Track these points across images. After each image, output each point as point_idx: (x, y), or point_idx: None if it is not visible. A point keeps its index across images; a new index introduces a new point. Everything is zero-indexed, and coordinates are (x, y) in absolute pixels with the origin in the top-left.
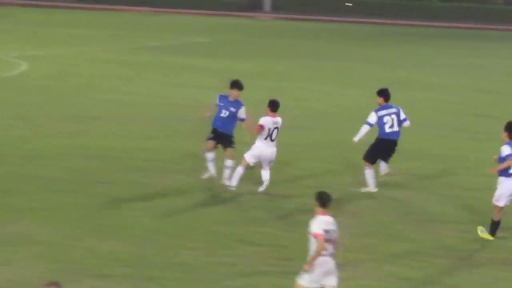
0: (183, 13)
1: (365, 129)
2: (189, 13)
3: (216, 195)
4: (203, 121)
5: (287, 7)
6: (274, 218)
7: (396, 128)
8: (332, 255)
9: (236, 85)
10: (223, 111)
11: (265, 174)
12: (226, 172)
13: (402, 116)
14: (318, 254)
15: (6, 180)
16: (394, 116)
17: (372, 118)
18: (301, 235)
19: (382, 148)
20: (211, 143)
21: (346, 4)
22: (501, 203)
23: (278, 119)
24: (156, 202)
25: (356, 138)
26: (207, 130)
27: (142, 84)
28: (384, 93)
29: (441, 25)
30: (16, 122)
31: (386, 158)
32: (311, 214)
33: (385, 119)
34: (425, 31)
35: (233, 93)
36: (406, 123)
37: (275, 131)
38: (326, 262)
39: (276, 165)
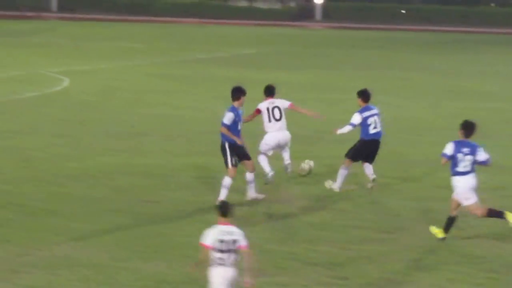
0: (232, 24)
1: (347, 129)
2: (237, 24)
3: (266, 212)
4: (253, 136)
5: (338, 15)
6: (328, 236)
7: (379, 129)
8: (233, 265)
9: (243, 91)
10: (239, 124)
11: (286, 156)
12: (252, 187)
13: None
14: (201, 262)
15: (49, 200)
16: (376, 117)
17: (356, 119)
18: (357, 252)
19: (366, 148)
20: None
21: (401, 11)
22: (472, 200)
23: (275, 100)
24: (205, 221)
25: (338, 132)
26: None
27: (189, 98)
28: (363, 94)
29: (500, 31)
30: (59, 139)
31: (370, 159)
32: (366, 230)
33: (369, 120)
34: (484, 38)
35: (242, 101)
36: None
37: (276, 110)
38: (226, 272)
39: (328, 179)
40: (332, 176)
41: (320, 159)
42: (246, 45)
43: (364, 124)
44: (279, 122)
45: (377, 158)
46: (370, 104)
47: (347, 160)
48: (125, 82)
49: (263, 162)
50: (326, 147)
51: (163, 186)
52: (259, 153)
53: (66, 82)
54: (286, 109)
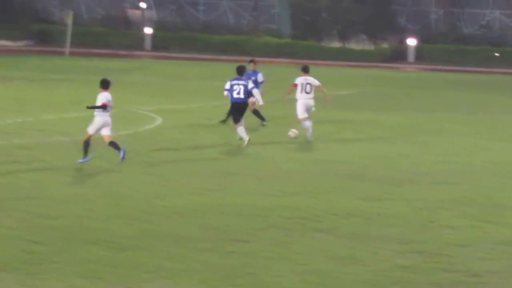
0: (324, 64)
1: None
2: (330, 64)
3: (357, 254)
4: (345, 177)
5: (431, 58)
6: (417, 279)
7: None
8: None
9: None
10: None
11: (308, 123)
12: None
13: None
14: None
15: (139, 238)
16: None
17: None
18: None
19: None
20: None
21: (495, 54)
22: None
23: (308, 77)
24: (297, 262)
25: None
26: (349, 186)
27: (280, 138)
28: None
29: None
30: (150, 177)
31: None
32: (457, 274)
33: None
34: None
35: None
36: None
37: (308, 86)
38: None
39: (419, 222)
40: (422, 217)
41: (410, 201)
42: (338, 86)
43: None
44: (308, 94)
45: (468, 201)
46: None
47: None
48: (215, 121)
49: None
50: (416, 189)
51: (254, 225)
52: (301, 121)
53: (158, 121)
54: (314, 87)
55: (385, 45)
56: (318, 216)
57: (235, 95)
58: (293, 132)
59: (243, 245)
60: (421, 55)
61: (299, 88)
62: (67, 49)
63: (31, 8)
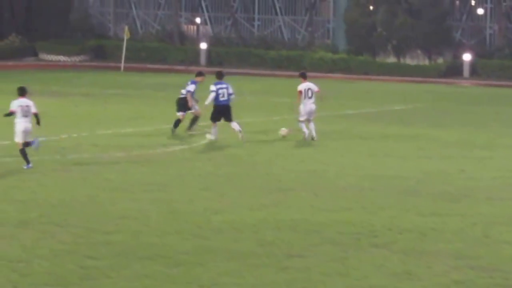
0: (379, 80)
1: None
2: (385, 80)
3: (412, 269)
4: (401, 192)
5: (486, 73)
6: None
7: None
8: None
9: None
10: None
11: (312, 125)
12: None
13: None
14: None
15: (195, 253)
16: None
17: None
18: None
19: None
20: None
21: None
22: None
23: (309, 83)
24: (352, 277)
25: None
26: (405, 201)
27: (335, 153)
28: None
29: None
30: (206, 193)
31: None
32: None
33: None
34: None
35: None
36: None
37: (309, 91)
38: None
39: (475, 237)
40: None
41: (466, 217)
42: (393, 101)
43: None
44: (310, 99)
45: None
46: None
47: None
48: (271, 137)
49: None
50: (472, 204)
51: (309, 240)
52: (299, 121)
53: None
54: (314, 92)
55: (440, 60)
56: (374, 231)
57: (220, 98)
58: (283, 131)
59: (298, 260)
60: (476, 70)
61: (303, 94)
62: (122, 64)
63: (87, 23)
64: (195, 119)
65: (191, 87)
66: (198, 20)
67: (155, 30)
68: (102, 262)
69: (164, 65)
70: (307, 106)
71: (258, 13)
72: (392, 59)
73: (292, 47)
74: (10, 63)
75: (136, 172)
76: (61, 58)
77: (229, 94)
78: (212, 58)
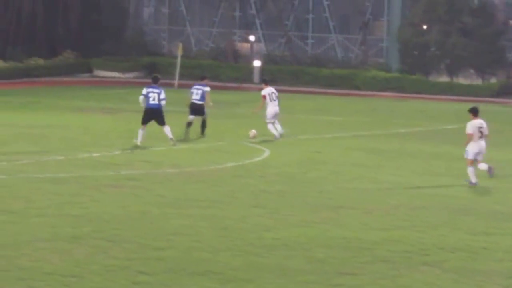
0: (432, 99)
1: None
2: (437, 99)
3: None
4: (452, 211)
5: None
6: None
7: None
8: None
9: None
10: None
11: (279, 127)
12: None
13: None
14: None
15: (246, 270)
16: None
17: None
18: None
19: None
20: None
21: None
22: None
23: (272, 88)
24: None
25: None
26: (456, 220)
27: (387, 172)
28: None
29: None
30: (258, 210)
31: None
32: None
33: None
34: None
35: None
36: None
37: (273, 95)
38: None
39: None
40: None
41: None
42: (445, 120)
43: None
44: (275, 102)
45: None
46: None
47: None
48: (324, 155)
49: (271, 128)
50: None
51: (360, 258)
52: (267, 123)
53: (266, 153)
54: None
55: (493, 80)
56: (425, 250)
57: (150, 101)
58: (252, 133)
59: (349, 278)
60: None
61: (267, 98)
62: (176, 82)
63: (141, 40)
64: (205, 123)
65: (208, 88)
66: (252, 38)
67: (209, 47)
68: (154, 278)
69: (218, 83)
70: (273, 108)
71: (312, 32)
72: (445, 79)
73: (345, 65)
74: (64, 79)
75: (188, 188)
76: (115, 74)
77: (160, 99)
78: (265, 76)
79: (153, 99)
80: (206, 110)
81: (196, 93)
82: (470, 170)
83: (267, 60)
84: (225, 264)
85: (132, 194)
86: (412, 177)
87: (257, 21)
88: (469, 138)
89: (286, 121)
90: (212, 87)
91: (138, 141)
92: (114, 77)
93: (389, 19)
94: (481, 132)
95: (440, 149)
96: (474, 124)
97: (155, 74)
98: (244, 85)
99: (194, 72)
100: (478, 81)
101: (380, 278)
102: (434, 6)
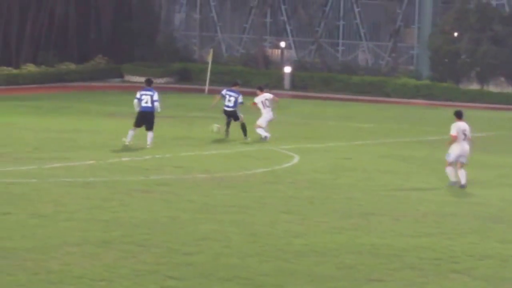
0: (462, 106)
1: None
2: (468, 106)
3: None
4: (482, 219)
5: None
6: None
7: None
8: None
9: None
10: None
11: (267, 132)
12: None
13: None
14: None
15: (275, 276)
16: None
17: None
18: None
19: None
20: None
21: None
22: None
23: (267, 94)
24: None
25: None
26: (486, 228)
27: (417, 179)
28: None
29: None
30: (287, 216)
31: None
32: None
33: None
34: None
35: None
36: None
37: (267, 101)
38: None
39: None
40: None
41: None
42: (476, 128)
43: None
44: (269, 108)
45: None
46: None
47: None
48: (353, 161)
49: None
50: None
51: (389, 265)
52: (257, 126)
53: (296, 159)
54: (272, 100)
55: None
56: (454, 257)
57: (143, 104)
58: (216, 127)
59: (378, 284)
60: None
61: (260, 105)
62: (206, 87)
63: (173, 46)
64: (244, 126)
65: (241, 98)
66: (282, 44)
67: (240, 53)
68: (183, 283)
69: (248, 89)
70: (267, 114)
71: (342, 38)
72: (475, 86)
73: (375, 73)
74: (95, 84)
75: (218, 193)
76: None
77: (153, 101)
78: (296, 83)
79: (146, 102)
80: (240, 114)
81: (228, 99)
82: (448, 169)
83: (298, 66)
84: (254, 270)
85: (162, 199)
86: (441, 184)
87: (288, 28)
88: (453, 139)
89: (316, 127)
90: (242, 93)
91: (127, 141)
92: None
93: (420, 27)
94: (464, 134)
95: (470, 157)
96: (458, 126)
97: (148, 77)
98: (275, 91)
99: (225, 78)
100: (508, 89)
101: (409, 285)
102: (465, 14)
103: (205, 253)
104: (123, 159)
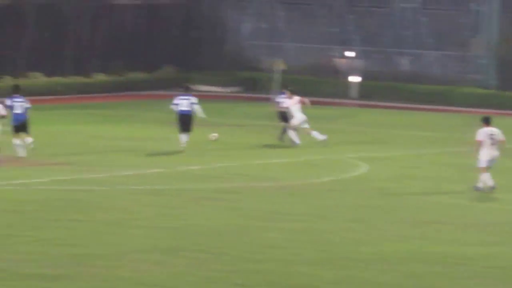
0: None
1: None
2: None
3: None
4: None
5: None
6: None
7: None
8: None
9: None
10: None
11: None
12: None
13: None
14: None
15: (342, 284)
16: None
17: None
18: None
19: None
20: None
21: None
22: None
23: (296, 97)
24: None
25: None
26: None
27: None
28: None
29: None
30: (354, 224)
31: None
32: None
33: None
34: None
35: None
36: None
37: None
38: None
39: None
40: None
41: None
42: None
43: None
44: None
45: None
46: None
47: None
48: (420, 170)
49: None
50: None
51: (456, 274)
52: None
53: (363, 168)
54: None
55: None
56: None
57: (180, 108)
58: (213, 136)
59: None
60: None
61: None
62: (274, 97)
63: (240, 55)
64: (285, 130)
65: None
66: (349, 54)
67: (307, 63)
68: None
69: (315, 98)
70: (299, 115)
71: (409, 48)
72: None
73: (443, 82)
74: (163, 93)
75: (285, 202)
76: (214, 89)
77: (191, 103)
78: (362, 92)
79: (184, 106)
80: (290, 118)
81: (281, 102)
82: (484, 176)
83: (365, 76)
84: (322, 278)
85: (230, 207)
86: (508, 194)
87: (355, 37)
88: (477, 144)
89: (383, 136)
90: (310, 102)
91: (182, 145)
92: (212, 92)
93: (487, 36)
94: (492, 139)
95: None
96: (484, 132)
97: (186, 84)
98: (341, 100)
99: (293, 88)
100: None
101: None
102: None
103: (273, 261)
104: (192, 167)
